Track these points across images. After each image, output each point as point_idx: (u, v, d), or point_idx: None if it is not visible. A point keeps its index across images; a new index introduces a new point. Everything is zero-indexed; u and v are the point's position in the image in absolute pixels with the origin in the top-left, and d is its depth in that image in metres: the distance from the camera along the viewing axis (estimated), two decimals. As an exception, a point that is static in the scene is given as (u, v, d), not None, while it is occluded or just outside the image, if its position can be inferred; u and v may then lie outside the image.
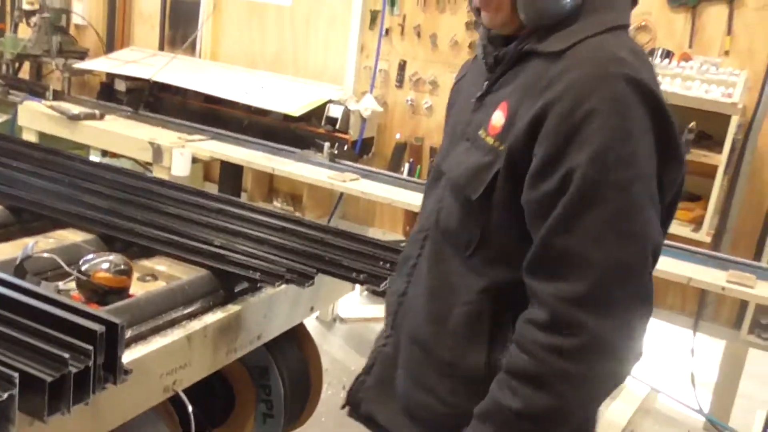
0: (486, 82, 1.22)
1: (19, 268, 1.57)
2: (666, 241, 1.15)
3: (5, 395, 0.97)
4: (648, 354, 1.10)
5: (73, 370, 1.05)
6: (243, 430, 2.09)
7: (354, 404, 1.39)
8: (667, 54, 3.10)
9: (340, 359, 3.49)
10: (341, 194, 3.72)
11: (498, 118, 1.14)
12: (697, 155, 2.80)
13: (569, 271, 1.02)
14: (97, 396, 1.17)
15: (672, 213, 1.16)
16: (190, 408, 1.57)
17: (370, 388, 1.37)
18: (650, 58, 1.14)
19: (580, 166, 1.01)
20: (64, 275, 1.61)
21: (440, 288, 1.23)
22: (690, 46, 3.15)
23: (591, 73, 1.04)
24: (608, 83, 1.02)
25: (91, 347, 1.08)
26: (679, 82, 2.92)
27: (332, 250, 1.95)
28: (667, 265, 2.65)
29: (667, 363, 3.68)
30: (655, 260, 1.08)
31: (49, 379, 1.02)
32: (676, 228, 2.96)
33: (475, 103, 1.23)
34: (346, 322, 3.91)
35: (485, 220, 1.14)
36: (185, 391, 1.58)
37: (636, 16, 3.38)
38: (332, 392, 3.00)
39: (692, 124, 2.77)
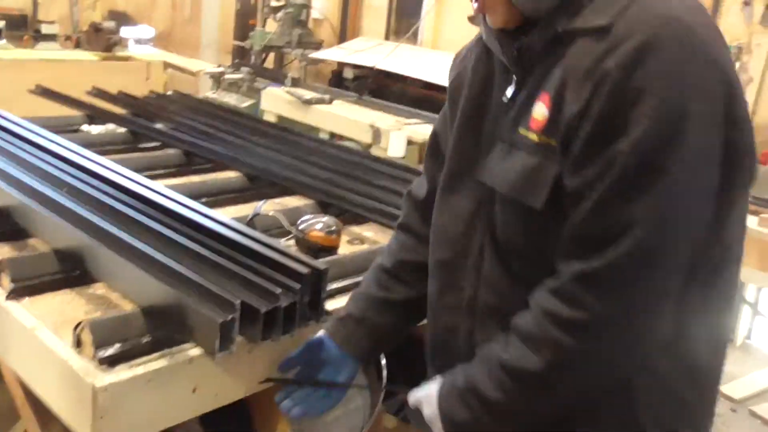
0: (513, 78, 1.10)
1: (250, 224, 1.82)
2: None
3: (229, 317, 1.17)
4: None
5: (283, 304, 1.23)
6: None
7: None
8: None
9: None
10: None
11: (540, 111, 1.03)
12: None
13: (586, 250, 0.98)
14: (302, 331, 1.35)
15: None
16: (384, 361, 1.71)
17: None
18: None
19: (622, 152, 0.94)
20: (285, 233, 1.84)
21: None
22: None
23: (641, 45, 0.94)
24: (661, 53, 0.93)
25: (298, 286, 1.25)
26: None
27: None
28: None
29: None
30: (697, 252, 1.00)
31: (263, 309, 1.21)
32: None
33: (507, 103, 1.10)
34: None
35: (550, 225, 1.03)
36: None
37: None
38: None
39: None
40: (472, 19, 1.25)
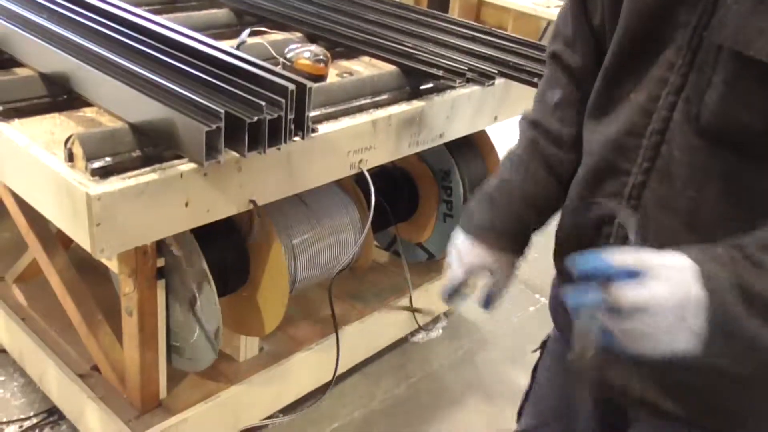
0: None
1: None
2: None
3: (214, 126, 1.19)
4: None
5: (268, 116, 1.25)
6: (425, 226, 2.28)
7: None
8: None
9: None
10: (547, 24, 3.63)
11: None
12: None
13: None
14: (290, 148, 1.38)
15: None
16: (372, 188, 1.76)
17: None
18: None
19: None
20: (273, 64, 1.83)
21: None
22: None
23: None
24: None
25: (283, 100, 1.27)
26: None
27: (519, 59, 1.98)
28: None
29: None
30: None
31: (248, 120, 1.22)
32: None
33: None
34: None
35: None
36: (376, 185, 1.77)
37: None
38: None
39: None
40: None
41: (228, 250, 1.71)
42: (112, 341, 1.80)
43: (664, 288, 0.74)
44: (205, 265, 1.57)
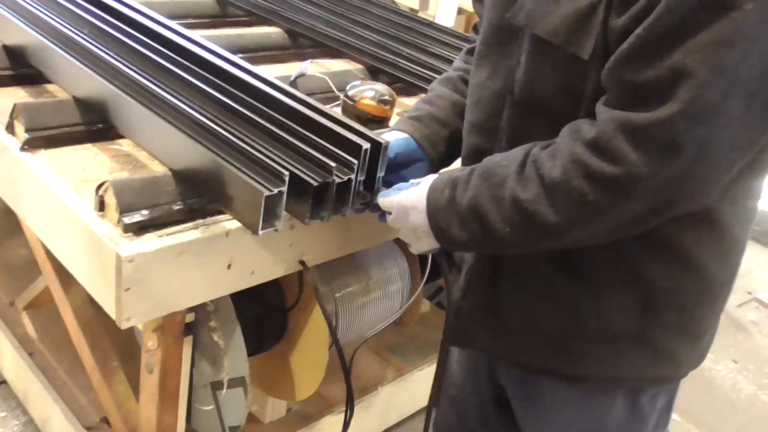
0: None
1: (293, 84, 1.62)
2: None
3: (275, 191, 1.00)
4: None
5: (337, 180, 1.06)
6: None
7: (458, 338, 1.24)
8: None
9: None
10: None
11: None
12: None
13: (634, 100, 0.87)
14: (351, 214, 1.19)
15: None
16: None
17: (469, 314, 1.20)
18: None
19: None
20: (332, 99, 1.65)
21: None
22: None
23: None
24: None
25: (355, 161, 1.07)
26: None
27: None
28: None
29: None
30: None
31: (315, 183, 1.03)
32: None
33: None
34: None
35: (595, 78, 0.93)
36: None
37: None
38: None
39: None
40: None
41: (265, 311, 1.52)
42: (127, 392, 1.62)
43: (412, 215, 1.06)
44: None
